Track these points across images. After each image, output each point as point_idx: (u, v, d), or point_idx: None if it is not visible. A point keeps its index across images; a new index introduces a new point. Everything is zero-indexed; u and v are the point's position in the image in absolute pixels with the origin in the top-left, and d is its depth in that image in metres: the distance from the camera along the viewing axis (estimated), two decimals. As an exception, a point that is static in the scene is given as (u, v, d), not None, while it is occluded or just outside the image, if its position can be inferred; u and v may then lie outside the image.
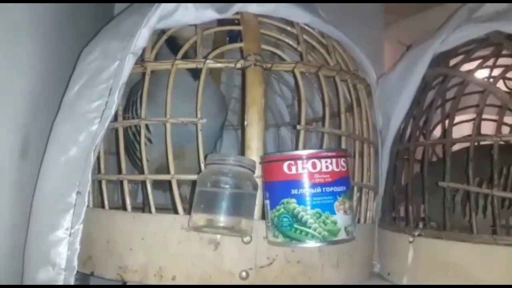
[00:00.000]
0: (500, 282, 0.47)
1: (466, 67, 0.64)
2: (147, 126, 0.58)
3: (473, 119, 0.64)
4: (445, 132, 0.64)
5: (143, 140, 0.52)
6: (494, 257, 0.48)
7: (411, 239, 0.54)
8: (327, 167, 0.43)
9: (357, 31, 0.97)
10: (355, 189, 0.57)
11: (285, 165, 0.43)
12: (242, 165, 0.45)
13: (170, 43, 0.56)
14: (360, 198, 0.59)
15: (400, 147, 0.64)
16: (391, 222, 0.62)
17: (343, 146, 0.55)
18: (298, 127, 0.52)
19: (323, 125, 0.55)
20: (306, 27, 0.60)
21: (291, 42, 0.59)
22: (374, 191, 0.63)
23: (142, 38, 0.50)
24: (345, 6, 1.00)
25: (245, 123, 0.50)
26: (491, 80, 0.61)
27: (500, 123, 0.51)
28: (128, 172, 0.60)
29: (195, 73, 0.55)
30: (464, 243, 0.50)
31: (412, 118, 0.64)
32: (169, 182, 0.50)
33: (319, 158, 0.43)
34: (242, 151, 0.51)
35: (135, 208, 0.58)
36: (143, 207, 0.67)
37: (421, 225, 0.54)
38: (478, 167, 0.54)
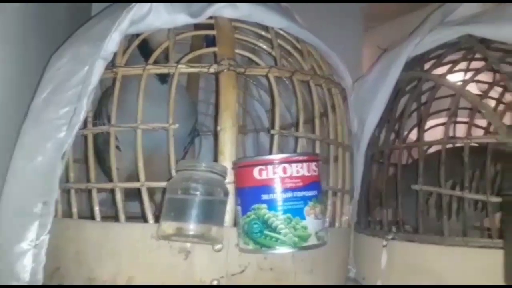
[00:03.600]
0: (471, 283, 0.47)
1: (439, 71, 0.65)
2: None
3: (445, 123, 0.65)
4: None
5: (113, 147, 0.51)
6: (465, 259, 0.48)
7: (384, 243, 0.54)
8: (298, 171, 0.42)
9: (336, 37, 0.98)
10: (330, 193, 0.57)
11: (255, 170, 0.43)
12: (213, 171, 0.44)
13: (142, 46, 0.55)
14: (335, 202, 0.59)
15: (375, 150, 0.65)
16: (366, 226, 0.62)
17: (317, 150, 0.55)
18: (271, 131, 0.52)
19: (297, 129, 0.55)
20: (281, 32, 0.60)
21: (265, 47, 0.58)
22: (349, 195, 0.63)
23: (112, 42, 0.49)
24: (324, 12, 1.01)
25: (218, 128, 0.50)
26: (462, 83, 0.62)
27: (470, 126, 0.51)
28: (101, 181, 0.58)
29: (163, 78, 0.54)
30: (436, 246, 0.50)
31: (387, 122, 0.65)
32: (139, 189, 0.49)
33: (290, 162, 0.42)
34: (215, 156, 0.50)
35: (108, 218, 0.56)
36: (115, 216, 0.65)
37: (394, 228, 0.54)
38: (452, 170, 0.54)
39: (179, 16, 0.52)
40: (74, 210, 0.52)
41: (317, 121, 0.56)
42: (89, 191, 0.52)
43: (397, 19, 1.09)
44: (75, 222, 0.52)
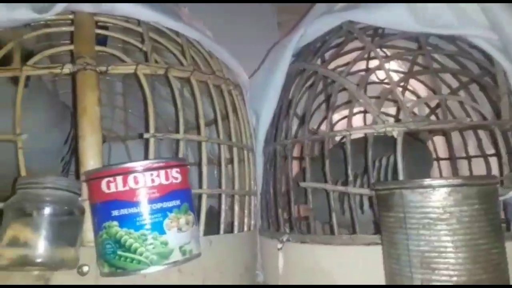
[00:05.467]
0: (361, 282, 0.45)
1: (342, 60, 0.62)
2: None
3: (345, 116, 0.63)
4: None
5: None
6: (352, 257, 0.45)
7: (279, 245, 0.50)
8: (152, 180, 0.38)
9: (251, 32, 0.94)
10: (236, 197, 0.53)
11: (103, 183, 0.37)
12: (58, 187, 0.39)
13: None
14: (232, 207, 0.55)
15: (277, 145, 0.61)
16: (268, 227, 0.59)
17: (204, 152, 0.51)
18: (145, 135, 0.47)
19: (177, 131, 0.50)
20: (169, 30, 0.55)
21: (134, 42, 0.53)
22: (254, 196, 0.59)
23: None
24: (238, 8, 0.97)
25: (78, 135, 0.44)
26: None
27: (350, 116, 0.49)
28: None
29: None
30: (327, 245, 0.47)
31: (286, 115, 0.61)
32: None
33: (142, 171, 0.38)
34: (77, 168, 0.45)
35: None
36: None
37: (287, 229, 0.51)
38: (355, 162, 0.52)
39: (20, 12, 0.45)
40: None
41: (201, 122, 0.52)
42: None
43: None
44: None
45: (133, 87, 0.83)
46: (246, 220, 0.57)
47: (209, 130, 0.71)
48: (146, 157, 0.47)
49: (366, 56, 0.67)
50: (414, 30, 0.51)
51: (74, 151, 0.61)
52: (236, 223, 0.55)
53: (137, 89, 0.83)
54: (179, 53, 0.54)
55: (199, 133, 0.53)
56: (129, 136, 0.85)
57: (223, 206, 0.53)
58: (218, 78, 0.57)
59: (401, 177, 0.44)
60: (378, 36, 0.61)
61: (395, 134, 0.45)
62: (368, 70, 0.67)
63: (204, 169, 0.50)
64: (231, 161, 0.56)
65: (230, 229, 0.54)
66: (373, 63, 0.71)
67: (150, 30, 0.53)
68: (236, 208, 0.55)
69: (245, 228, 0.56)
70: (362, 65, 0.69)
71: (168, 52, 0.58)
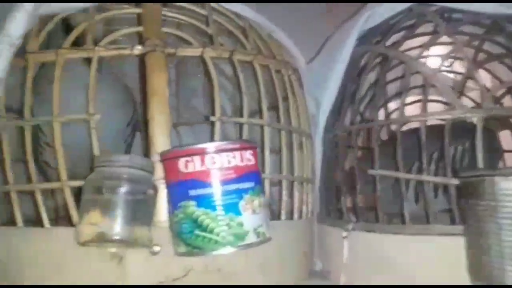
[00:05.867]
0: (433, 273, 0.43)
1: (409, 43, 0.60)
2: (40, 129, 0.51)
3: (418, 100, 0.60)
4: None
5: (58, 142, 0.44)
6: (425, 247, 0.44)
7: (344, 234, 0.49)
8: (229, 161, 0.37)
9: (300, 20, 0.92)
10: (295, 184, 0.52)
11: (181, 162, 0.37)
12: (134, 166, 0.39)
13: (66, 30, 0.49)
14: (291, 193, 0.54)
15: (339, 132, 0.59)
16: (328, 215, 0.57)
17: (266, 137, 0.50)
18: (211, 118, 0.47)
19: (241, 115, 0.49)
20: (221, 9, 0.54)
21: (199, 24, 0.52)
22: (311, 184, 0.58)
23: (16, 25, 0.43)
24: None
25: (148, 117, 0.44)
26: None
27: (425, 102, 0.46)
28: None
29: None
30: (397, 235, 0.45)
31: (349, 101, 0.59)
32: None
33: (219, 152, 0.37)
34: (146, 149, 0.45)
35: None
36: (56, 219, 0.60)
37: (353, 218, 0.49)
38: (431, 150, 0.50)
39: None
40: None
41: (264, 107, 0.51)
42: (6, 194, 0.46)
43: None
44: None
45: (184, 74, 0.83)
46: (304, 207, 0.56)
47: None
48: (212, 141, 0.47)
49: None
50: (498, 12, 0.48)
51: (135, 134, 0.62)
52: (295, 210, 0.54)
53: (187, 76, 0.84)
54: (242, 36, 0.53)
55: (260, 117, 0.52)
56: (180, 122, 0.85)
57: (284, 192, 0.53)
58: (279, 63, 0.56)
59: (480, 165, 0.42)
60: (445, 21, 0.58)
61: (474, 120, 0.43)
62: (427, 57, 0.64)
63: (267, 153, 0.50)
64: (290, 147, 0.55)
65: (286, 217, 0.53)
66: (435, 50, 0.68)
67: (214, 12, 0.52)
68: (296, 194, 0.54)
69: (304, 216, 0.56)
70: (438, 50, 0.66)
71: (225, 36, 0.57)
